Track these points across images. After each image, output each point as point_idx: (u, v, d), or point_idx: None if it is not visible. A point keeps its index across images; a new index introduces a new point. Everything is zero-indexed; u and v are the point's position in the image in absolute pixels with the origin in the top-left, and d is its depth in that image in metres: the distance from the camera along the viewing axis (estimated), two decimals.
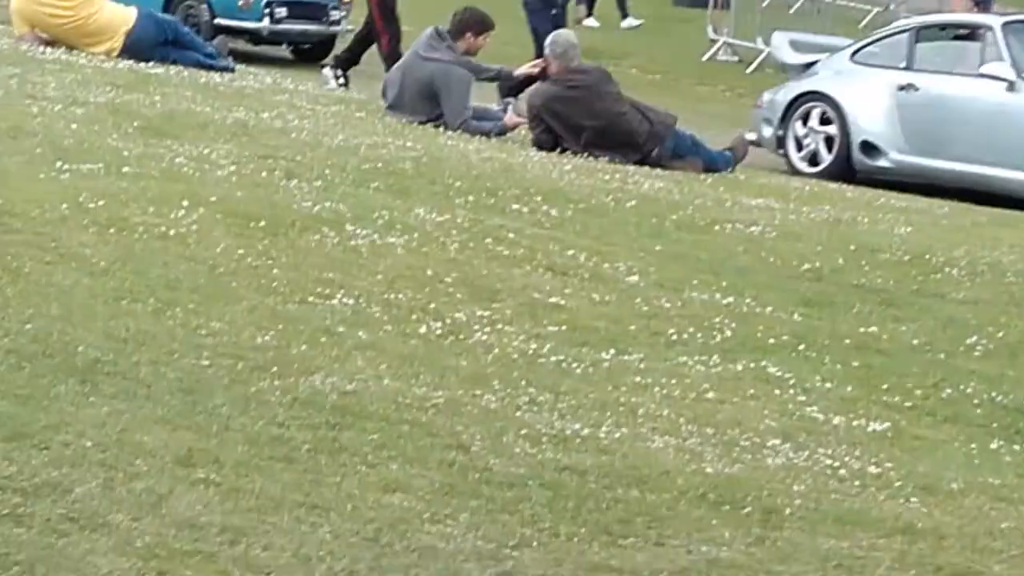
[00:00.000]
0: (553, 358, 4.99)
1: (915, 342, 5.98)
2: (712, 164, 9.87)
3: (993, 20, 12.49)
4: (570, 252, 6.38)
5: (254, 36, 14.38)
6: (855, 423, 4.81)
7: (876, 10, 20.60)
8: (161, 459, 3.61)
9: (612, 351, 5.14)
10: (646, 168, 9.31)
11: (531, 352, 5.02)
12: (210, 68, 10.57)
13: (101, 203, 5.79)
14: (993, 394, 5.40)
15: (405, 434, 4.05)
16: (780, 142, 11.87)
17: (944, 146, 11.47)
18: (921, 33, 12.30)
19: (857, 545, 3.74)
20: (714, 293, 6.13)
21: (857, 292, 6.68)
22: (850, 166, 11.66)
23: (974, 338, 6.03)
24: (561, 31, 10.70)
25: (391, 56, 11.50)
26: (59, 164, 6.44)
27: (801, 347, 5.60)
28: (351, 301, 5.15)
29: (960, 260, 7.42)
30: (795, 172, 11.55)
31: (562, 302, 5.68)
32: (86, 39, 10.54)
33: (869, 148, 11.66)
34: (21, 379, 4.02)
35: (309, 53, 15.01)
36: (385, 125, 9.22)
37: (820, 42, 13.99)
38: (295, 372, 4.35)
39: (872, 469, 4.34)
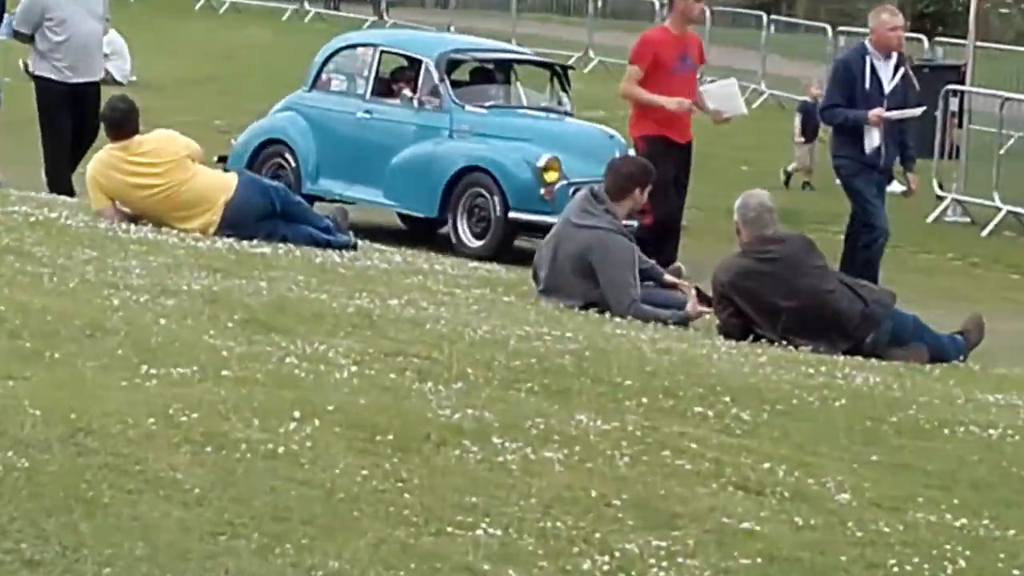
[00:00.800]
0: None
1: None
2: (941, 352, 9.63)
3: None
4: (766, 465, 6.25)
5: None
6: None
7: None
8: None
9: None
10: (859, 359, 9.15)
11: None
12: (327, 245, 10.53)
13: (195, 416, 5.79)
14: None
15: None
16: None
17: None
18: None
19: None
20: (944, 514, 5.91)
21: None
22: None
23: None
24: (753, 191, 10.64)
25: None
26: (145, 368, 6.45)
27: None
28: (499, 532, 5.06)
29: None
30: None
31: (757, 528, 5.51)
32: (177, 212, 10.45)
33: None
34: None
35: None
36: (539, 312, 9.24)
37: None
38: None
39: None
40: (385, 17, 33.30)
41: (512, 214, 13.32)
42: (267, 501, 5.09)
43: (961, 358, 9.75)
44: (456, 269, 11.13)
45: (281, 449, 5.57)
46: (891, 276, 12.49)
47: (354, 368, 6.82)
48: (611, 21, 30.26)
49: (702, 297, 9.96)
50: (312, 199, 13.43)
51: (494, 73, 14.97)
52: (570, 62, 27.17)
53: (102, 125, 11.01)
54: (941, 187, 19.43)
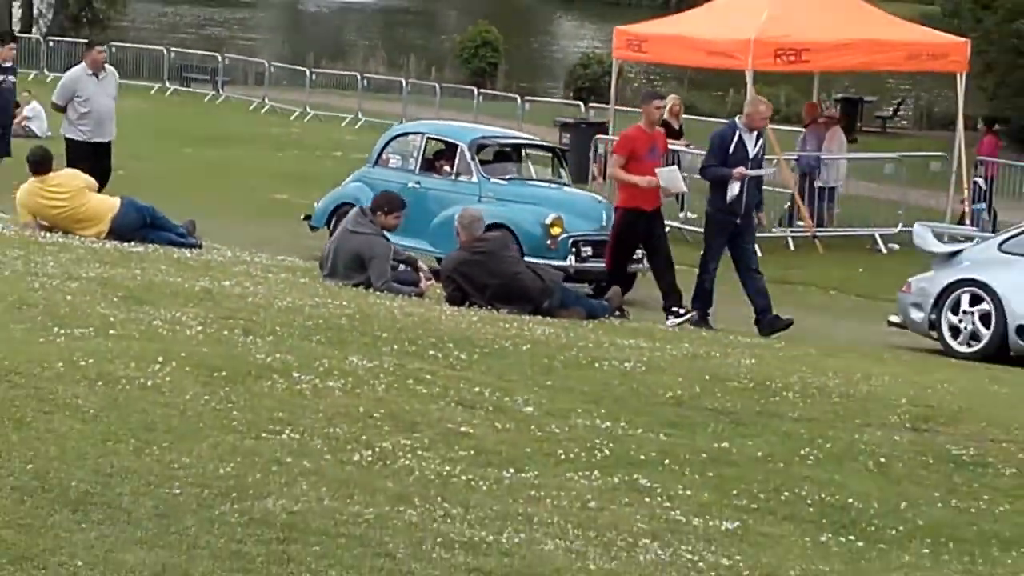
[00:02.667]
0: (463, 478, 4.84)
1: (759, 454, 5.78)
2: (593, 312, 9.55)
3: None
4: (476, 389, 6.18)
5: (566, 274, 11.99)
6: (710, 523, 4.69)
7: None
8: (140, 575, 3.46)
9: (511, 470, 4.99)
10: (539, 317, 8.95)
11: (445, 473, 4.86)
12: (182, 245, 10.31)
13: (91, 361, 5.60)
14: (823, 495, 5.21)
15: (342, 546, 3.91)
16: (932, 325, 10.50)
17: None
18: None
19: None
20: (595, 419, 5.95)
21: (711, 414, 6.46)
22: (1005, 347, 10.14)
23: (806, 449, 5.87)
24: (469, 207, 10.15)
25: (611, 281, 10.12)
26: (56, 329, 6.23)
27: (666, 461, 5.44)
28: (297, 436, 5.00)
29: (794, 385, 7.20)
30: (949, 352, 10.31)
31: (470, 431, 5.48)
32: (78, 224, 10.22)
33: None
34: (23, 511, 3.90)
35: (606, 291, 11.84)
36: (324, 289, 8.94)
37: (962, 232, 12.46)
38: (251, 497, 4.22)
39: (724, 561, 4.24)
40: (220, 92, 28.64)
41: (526, 259, 11.67)
42: (140, 418, 4.99)
43: (607, 316, 9.52)
44: (269, 261, 10.58)
45: (150, 383, 5.43)
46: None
47: (199, 327, 6.65)
48: (374, 93, 28.34)
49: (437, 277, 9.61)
50: None
51: (511, 153, 13.88)
52: (344, 123, 25.55)
53: (27, 164, 10.61)
54: None
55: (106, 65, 12.77)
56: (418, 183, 12.93)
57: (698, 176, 11.65)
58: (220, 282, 8.37)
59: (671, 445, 5.63)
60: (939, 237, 11.31)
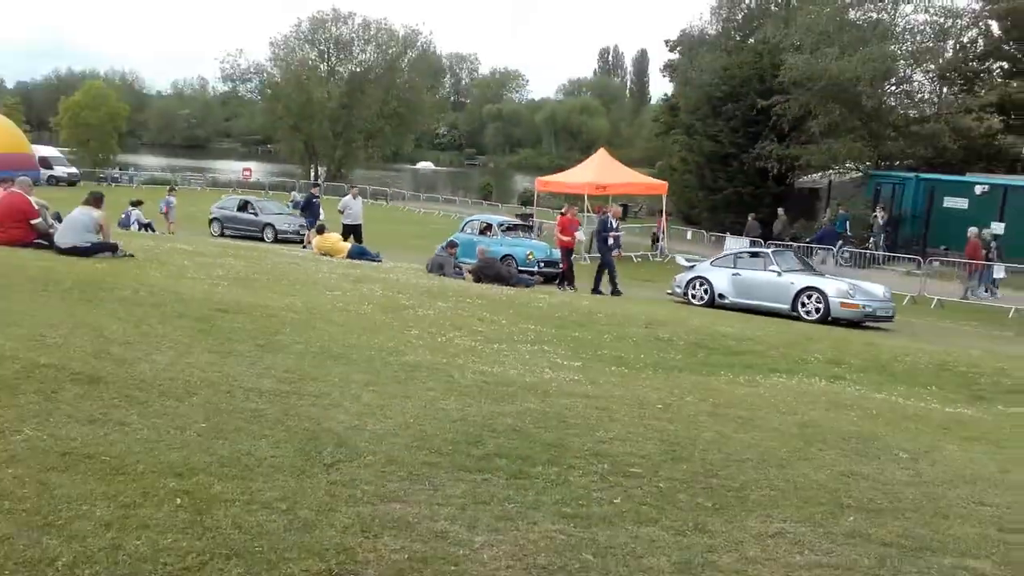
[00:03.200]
0: (479, 347, 8.05)
1: (588, 337, 9.54)
2: (528, 285, 16.73)
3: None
4: (485, 313, 10.16)
5: (530, 273, 20.95)
6: (571, 363, 7.81)
7: None
8: (362, 386, 7.02)
9: (496, 345, 8.39)
10: (508, 287, 14.85)
11: (472, 345, 8.06)
12: (375, 261, 18.23)
13: (340, 304, 9.70)
14: (613, 352, 8.85)
15: (434, 373, 6.84)
16: (684, 294, 17.94)
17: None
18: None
19: (571, 402, 7.25)
20: (528, 325, 9.71)
21: (571, 323, 10.30)
22: (712, 302, 17.51)
23: (606, 336, 9.72)
24: (480, 245, 18.00)
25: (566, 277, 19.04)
26: (327, 292, 10.48)
27: (554, 340, 9.07)
28: (418, 331, 8.62)
29: (601, 311, 11.05)
30: (689, 303, 17.52)
31: (481, 329, 9.22)
32: (336, 253, 18.90)
33: (721, 296, 17.53)
34: (306, 363, 6.61)
35: (548, 280, 20.08)
36: (428, 277, 14.35)
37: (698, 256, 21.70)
38: (399, 354, 7.23)
39: (575, 377, 7.69)
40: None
41: (520, 268, 21.05)
42: (360, 323, 8.62)
43: (533, 286, 16.18)
44: (408, 266, 17.45)
45: (363, 311, 9.20)
46: None
47: (380, 291, 10.73)
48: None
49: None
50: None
51: (515, 228, 24.35)
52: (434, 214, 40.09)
53: (317, 229, 20.61)
54: None
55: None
56: (477, 240, 22.21)
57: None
58: (389, 275, 13.66)
59: (556, 334, 9.64)
60: (686, 259, 20.44)
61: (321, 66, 64.51)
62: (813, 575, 3.61)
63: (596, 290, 17.48)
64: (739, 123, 36.44)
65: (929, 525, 4.31)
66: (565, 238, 18.79)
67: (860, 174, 34.57)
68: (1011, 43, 35.97)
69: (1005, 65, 37.05)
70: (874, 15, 33.44)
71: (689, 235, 32.89)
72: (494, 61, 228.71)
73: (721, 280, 17.51)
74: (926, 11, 34.05)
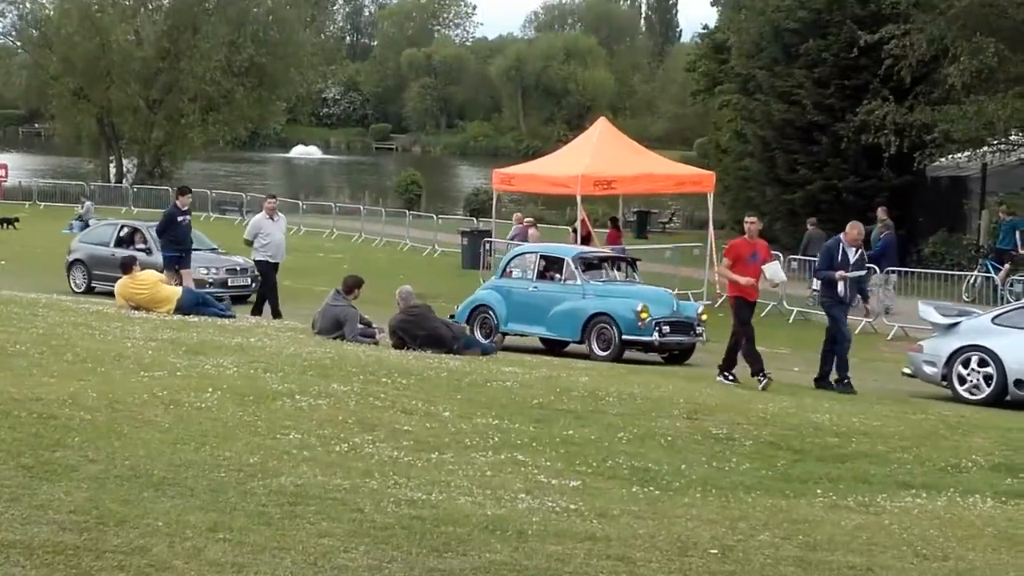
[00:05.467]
0: (406, 459, 8.30)
1: (592, 437, 9.89)
2: (486, 351, 16.53)
3: None
4: (413, 402, 10.61)
5: (647, 346, 20.55)
6: (562, 482, 8.05)
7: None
8: (198, 529, 6.41)
9: (436, 453, 8.65)
10: (451, 355, 15.32)
11: (394, 457, 8.39)
12: (223, 316, 18.08)
13: (165, 392, 9.77)
14: (633, 463, 9.15)
15: (330, 505, 6.63)
16: (944, 378, 16.76)
17: None
18: None
19: (565, 548, 6.28)
20: (488, 418, 10.22)
21: (561, 413, 10.91)
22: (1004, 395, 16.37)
23: (621, 434, 10.11)
24: (404, 286, 17.26)
25: (748, 352, 15.77)
26: (141, 373, 10.73)
27: (534, 444, 9.40)
28: (299, 436, 8.61)
29: (613, 392, 12.19)
30: (959, 399, 16.32)
31: (410, 429, 9.47)
32: (156, 305, 18.24)
33: (1020, 383, 16.26)
34: (123, 491, 6.71)
35: (678, 358, 20.94)
36: (315, 341, 15.39)
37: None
38: (271, 475, 7.27)
39: (572, 506, 7.30)
40: (243, 216, 43.47)
41: (624, 337, 20.24)
42: (197, 428, 8.68)
43: (494, 354, 16.41)
44: (279, 324, 18.10)
45: (203, 405, 9.50)
46: None
47: (235, 368, 11.69)
48: (342, 216, 49.84)
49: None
50: (505, 335, 21.47)
51: (603, 263, 23.01)
52: (324, 235, 44.48)
53: (120, 267, 20.15)
54: None
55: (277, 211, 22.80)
56: (536, 287, 21.44)
57: None
58: (248, 339, 14.22)
59: (537, 433, 9.86)
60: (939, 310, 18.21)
61: None
62: None
63: (822, 380, 16.41)
64: (830, 72, 36.72)
65: None
66: (742, 279, 16.09)
67: None
68: None
69: None
70: None
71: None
72: None
73: (1019, 353, 16.35)
74: None
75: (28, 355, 11.34)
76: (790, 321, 26.51)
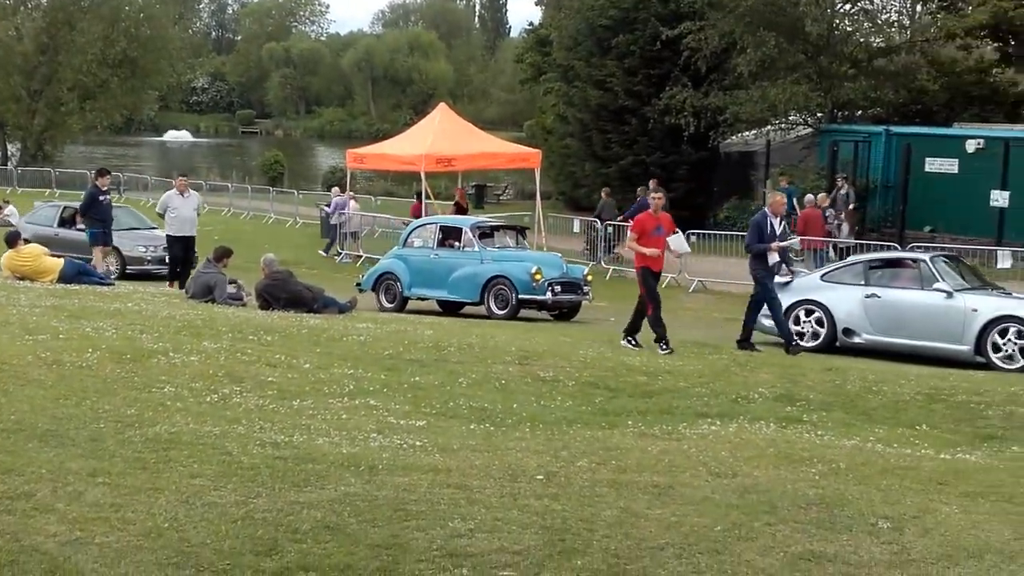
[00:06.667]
0: (271, 407, 8.30)
1: (436, 383, 9.88)
2: (342, 310, 16.04)
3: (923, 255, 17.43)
4: (277, 356, 10.45)
5: (540, 304, 20.32)
6: (411, 423, 8.09)
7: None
8: (80, 475, 6.80)
9: (298, 401, 8.60)
10: (311, 314, 14.61)
11: (260, 405, 8.40)
12: (102, 285, 17.70)
13: (48, 353, 9.56)
14: (471, 403, 9.20)
15: (201, 449, 6.63)
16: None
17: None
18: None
19: (412, 479, 6.30)
20: (344, 368, 10.13)
21: (409, 363, 10.83)
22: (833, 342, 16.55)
23: (461, 379, 10.10)
24: (268, 254, 16.95)
25: (654, 320, 14.57)
26: (26, 336, 10.48)
27: (385, 390, 9.36)
28: (173, 389, 8.61)
29: (454, 343, 12.25)
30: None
31: (274, 379, 9.41)
32: (39, 275, 17.50)
33: (848, 332, 16.48)
34: (9, 444, 6.49)
35: (567, 316, 20.71)
36: (189, 305, 14.65)
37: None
38: (147, 425, 7.25)
39: (418, 443, 7.35)
40: (121, 195, 41.88)
41: (521, 296, 20.07)
42: (79, 384, 8.56)
43: (350, 313, 15.91)
44: (155, 290, 17.69)
45: (84, 364, 9.26)
46: None
47: (114, 331, 11.30)
48: (212, 192, 46.53)
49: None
50: (407, 300, 21.12)
51: (494, 231, 22.40)
52: None
53: (4, 242, 19.43)
54: None
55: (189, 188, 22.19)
56: (437, 255, 21.00)
57: None
58: (126, 304, 13.89)
59: (387, 380, 9.95)
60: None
61: None
62: None
63: (744, 342, 15.44)
64: (637, 63, 37.49)
65: None
66: (648, 250, 15.02)
67: (809, 130, 36.01)
68: None
69: None
70: None
71: (576, 226, 33.27)
72: None
73: (846, 306, 16.53)
74: None
75: None
76: (607, 278, 26.65)
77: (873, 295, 16.45)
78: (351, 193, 33.86)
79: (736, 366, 12.87)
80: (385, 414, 8.53)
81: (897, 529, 6.02)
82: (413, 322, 15.38)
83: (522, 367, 11.28)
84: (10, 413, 7.31)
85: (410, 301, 21.17)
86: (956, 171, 30.90)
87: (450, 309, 21.11)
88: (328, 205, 33.31)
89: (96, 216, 21.45)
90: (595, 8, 38.81)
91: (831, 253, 25.70)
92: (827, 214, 27.72)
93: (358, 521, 5.56)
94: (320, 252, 31.28)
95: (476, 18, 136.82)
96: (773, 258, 15.52)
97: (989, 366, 15.13)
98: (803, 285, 17.14)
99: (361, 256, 30.24)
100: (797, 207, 28.13)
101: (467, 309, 20.88)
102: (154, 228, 25.85)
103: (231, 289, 16.73)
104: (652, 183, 30.45)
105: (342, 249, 31.59)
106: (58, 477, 5.96)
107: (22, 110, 61.25)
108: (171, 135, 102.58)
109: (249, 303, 16.61)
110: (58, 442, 6.74)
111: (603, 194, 32.63)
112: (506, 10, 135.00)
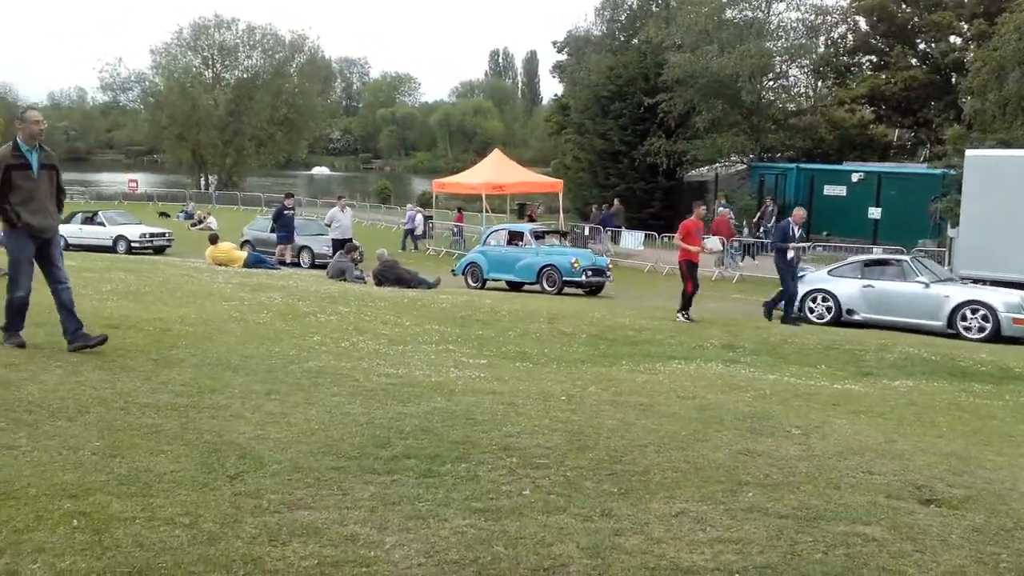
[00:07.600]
0: (385, 350, 8.20)
1: (492, 334, 9.73)
2: (430, 287, 16.28)
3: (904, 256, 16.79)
4: (388, 316, 10.40)
5: (578, 284, 19.84)
6: (478, 361, 7.89)
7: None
8: (250, 390, 7.19)
9: (402, 347, 8.47)
10: (410, 290, 14.79)
11: (377, 349, 8.16)
12: (272, 269, 18.24)
13: (236, 314, 9.49)
14: (516, 348, 8.96)
15: (338, 379, 6.87)
16: (799, 310, 15.14)
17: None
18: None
19: (478, 399, 6.09)
20: (432, 325, 9.84)
21: (476, 322, 10.67)
22: (839, 318, 15.35)
23: (511, 333, 9.91)
24: (382, 249, 17.03)
25: (686, 300, 13.45)
26: (223, 303, 10.52)
27: (460, 340, 9.24)
28: (319, 337, 8.62)
29: (505, 309, 11.39)
30: (809, 323, 14.93)
31: (386, 332, 9.26)
32: (231, 262, 19.15)
33: (850, 312, 15.32)
34: (206, 372, 7.06)
35: (595, 292, 20.12)
36: (328, 282, 13.97)
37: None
38: (302, 361, 7.27)
39: (482, 375, 7.37)
40: None
41: (564, 279, 19.82)
42: (259, 332, 8.67)
43: (435, 288, 15.86)
44: (305, 271, 18.09)
45: (260, 320, 9.26)
46: None
47: (280, 299, 10.76)
48: None
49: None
50: (486, 281, 20.71)
51: (545, 234, 21.99)
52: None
53: (209, 240, 20.25)
54: None
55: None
56: (507, 250, 20.90)
57: None
58: (287, 282, 13.84)
59: (460, 333, 9.84)
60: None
61: (206, 73, 63.69)
62: (715, 550, 3.74)
63: (788, 317, 14.28)
64: (627, 121, 37.36)
65: (822, 496, 4.49)
66: (692, 248, 13.98)
67: (744, 166, 35.85)
68: (878, 37, 37.81)
69: (874, 58, 38.90)
70: (749, 13, 34.69)
71: (587, 231, 33.19)
72: (385, 65, 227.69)
73: (848, 293, 15.57)
74: (797, 8, 35.65)
75: (153, 293, 11.10)
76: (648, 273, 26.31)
77: (868, 285, 15.52)
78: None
79: (695, 326, 12.71)
80: (459, 355, 8.45)
81: (805, 435, 5.98)
82: (480, 295, 15.34)
83: (551, 325, 11.19)
84: (213, 353, 7.26)
85: (488, 283, 21.01)
86: (844, 194, 31.07)
87: (515, 288, 20.91)
88: (405, 217, 33.39)
89: (282, 224, 21.53)
90: (599, 84, 38.95)
91: (736, 245, 25.97)
92: (731, 219, 27.84)
93: (443, 425, 5.52)
94: (399, 248, 31.24)
95: (519, 91, 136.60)
96: (791, 254, 14.44)
97: (958, 336, 14.25)
98: (816, 278, 16.10)
99: (431, 250, 30.49)
100: (732, 216, 28.19)
101: (526, 288, 20.66)
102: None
103: (356, 272, 16.82)
104: (616, 202, 31.93)
105: (411, 248, 31.35)
106: (245, 395, 5.94)
107: (217, 154, 62.20)
108: (316, 170, 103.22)
109: (368, 282, 16.65)
110: (245, 372, 6.68)
111: (602, 207, 32.33)
112: (539, 85, 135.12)
